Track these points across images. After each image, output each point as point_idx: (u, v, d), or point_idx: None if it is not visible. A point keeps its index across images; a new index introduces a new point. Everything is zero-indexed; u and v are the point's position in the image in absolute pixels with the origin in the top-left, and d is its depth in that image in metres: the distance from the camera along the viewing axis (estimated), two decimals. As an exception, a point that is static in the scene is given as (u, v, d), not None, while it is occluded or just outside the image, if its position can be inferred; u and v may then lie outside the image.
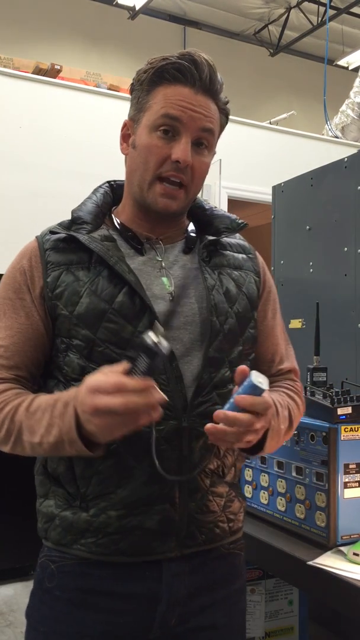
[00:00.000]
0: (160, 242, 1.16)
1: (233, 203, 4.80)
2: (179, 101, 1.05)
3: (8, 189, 4.38)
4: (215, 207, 1.25)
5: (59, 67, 4.83)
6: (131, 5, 7.64)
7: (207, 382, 1.07)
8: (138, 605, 1.05)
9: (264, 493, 1.57)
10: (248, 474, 1.64)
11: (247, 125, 5.18)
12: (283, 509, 1.52)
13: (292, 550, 1.39)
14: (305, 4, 8.26)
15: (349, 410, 1.42)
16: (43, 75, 4.75)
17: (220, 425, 0.93)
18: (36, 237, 1.14)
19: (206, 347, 1.07)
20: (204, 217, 1.22)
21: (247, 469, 1.64)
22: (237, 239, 1.22)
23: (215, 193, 4.73)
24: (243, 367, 0.96)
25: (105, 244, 1.09)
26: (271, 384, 1.18)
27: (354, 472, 1.39)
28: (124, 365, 0.88)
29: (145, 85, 1.09)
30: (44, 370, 1.12)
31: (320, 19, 8.16)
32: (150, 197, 1.10)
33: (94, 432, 0.91)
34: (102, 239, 1.10)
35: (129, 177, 1.15)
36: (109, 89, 5.06)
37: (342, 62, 8.57)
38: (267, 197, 3.03)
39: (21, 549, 3.51)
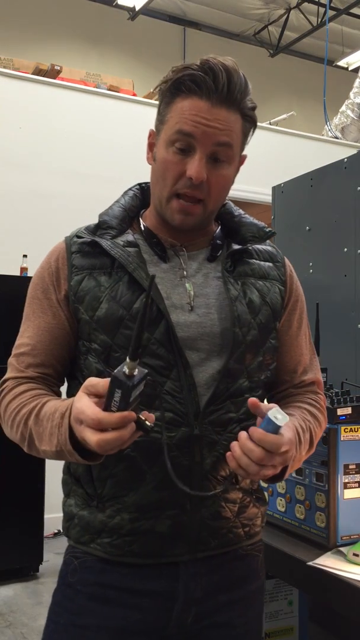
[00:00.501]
0: (185, 249, 1.15)
1: (233, 203, 4.80)
2: (193, 116, 1.03)
3: (8, 189, 4.38)
4: (244, 214, 1.23)
5: (58, 68, 4.84)
6: (131, 5, 7.64)
7: (222, 392, 1.06)
8: (155, 602, 1.07)
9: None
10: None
11: (247, 125, 5.17)
12: (283, 509, 1.52)
13: (292, 550, 1.39)
14: (305, 4, 8.25)
15: (348, 410, 1.42)
16: (43, 76, 4.76)
17: (238, 452, 0.94)
18: (65, 237, 1.15)
19: (227, 358, 1.07)
20: (232, 223, 1.21)
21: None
22: (266, 245, 1.21)
23: (215, 193, 4.72)
24: (253, 400, 0.95)
25: (127, 250, 1.09)
26: (294, 396, 1.18)
27: (353, 472, 1.39)
28: (105, 380, 0.87)
29: (165, 96, 1.08)
30: (69, 371, 1.14)
31: (320, 19, 8.16)
32: (168, 213, 1.10)
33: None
34: (126, 245, 1.10)
35: (152, 188, 1.14)
36: (109, 89, 5.07)
37: (342, 62, 8.59)
38: (267, 197, 3.03)
39: (21, 550, 3.51)
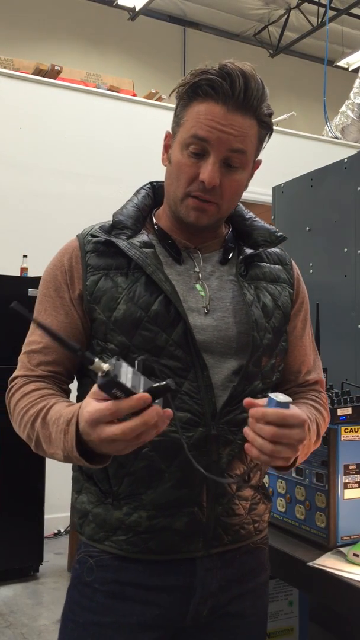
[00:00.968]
0: (198, 252, 1.16)
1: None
2: (208, 121, 1.04)
3: (8, 189, 4.38)
4: (256, 218, 1.24)
5: (59, 68, 4.84)
6: (131, 6, 7.63)
7: (239, 393, 1.08)
8: (174, 597, 1.08)
9: (264, 494, 1.57)
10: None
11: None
12: (283, 509, 1.52)
13: (292, 551, 1.39)
14: (305, 5, 8.24)
15: (349, 411, 1.42)
16: (43, 76, 4.75)
17: (251, 435, 0.94)
18: (77, 236, 1.15)
19: (246, 361, 1.08)
20: (243, 226, 1.22)
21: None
22: (274, 247, 1.22)
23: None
24: (248, 400, 0.96)
25: (144, 251, 1.09)
26: (297, 394, 1.20)
27: (354, 472, 1.39)
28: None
29: (183, 99, 1.08)
30: (79, 368, 1.14)
31: (320, 20, 8.15)
32: (182, 211, 1.10)
33: (105, 452, 0.90)
34: (142, 245, 1.11)
35: (167, 188, 1.14)
36: (109, 89, 5.07)
37: (342, 63, 8.58)
38: (267, 198, 3.03)
39: (21, 550, 3.51)
